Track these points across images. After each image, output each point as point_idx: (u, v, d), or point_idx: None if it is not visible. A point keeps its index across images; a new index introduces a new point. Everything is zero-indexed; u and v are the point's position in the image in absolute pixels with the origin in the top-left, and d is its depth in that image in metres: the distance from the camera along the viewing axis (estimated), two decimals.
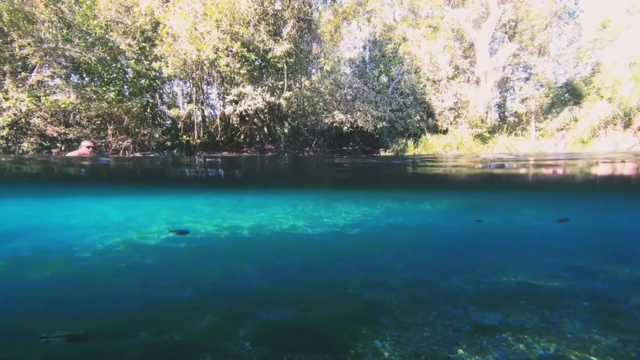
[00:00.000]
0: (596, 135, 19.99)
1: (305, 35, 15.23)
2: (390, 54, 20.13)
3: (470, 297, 4.36)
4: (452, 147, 18.09)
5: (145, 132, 13.86)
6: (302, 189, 14.45)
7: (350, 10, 19.10)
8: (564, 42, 23.28)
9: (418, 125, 18.86)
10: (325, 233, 8.88)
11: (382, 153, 17.08)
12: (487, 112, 21.16)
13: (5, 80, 11.64)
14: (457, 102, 19.88)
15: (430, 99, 19.50)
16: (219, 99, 15.45)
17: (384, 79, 19.81)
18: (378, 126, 16.37)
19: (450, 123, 19.81)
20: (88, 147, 7.87)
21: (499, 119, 23.38)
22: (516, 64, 22.23)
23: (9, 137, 11.68)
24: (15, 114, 11.30)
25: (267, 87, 13.50)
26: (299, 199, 15.80)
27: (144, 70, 13.57)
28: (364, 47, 21.17)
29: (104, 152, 13.18)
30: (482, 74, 20.09)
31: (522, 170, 10.66)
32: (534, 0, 20.56)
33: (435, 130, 19.63)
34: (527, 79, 22.66)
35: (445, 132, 19.49)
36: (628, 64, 20.34)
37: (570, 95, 22.48)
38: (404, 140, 17.87)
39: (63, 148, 12.40)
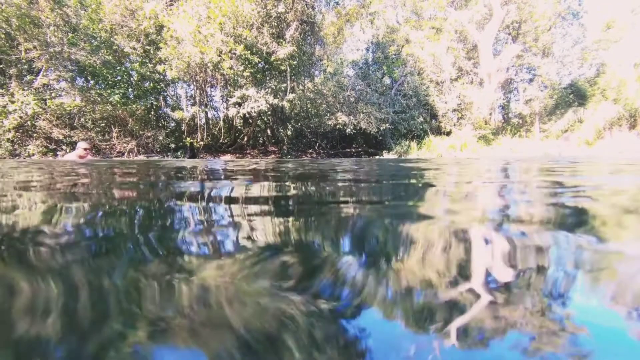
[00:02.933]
0: (601, 137, 19.87)
1: (308, 37, 15.27)
2: (394, 56, 20.13)
3: None
4: (456, 149, 18.03)
5: (149, 134, 13.92)
6: None
7: (353, 13, 19.11)
8: (568, 43, 23.19)
9: (421, 126, 18.82)
10: None
11: (385, 155, 17.04)
12: (490, 114, 21.10)
13: (11, 83, 11.75)
14: (460, 104, 19.83)
15: (433, 100, 19.46)
16: (223, 101, 15.51)
17: (387, 80, 19.80)
18: (381, 128, 16.35)
19: (454, 124, 19.76)
20: (85, 149, 7.48)
21: (502, 121, 23.30)
22: (520, 65, 22.16)
23: (15, 140, 11.78)
24: (21, 117, 11.40)
25: (270, 89, 13.53)
26: None
27: (148, 73, 13.66)
28: (367, 49, 21.19)
29: (109, 154, 13.25)
30: (486, 75, 20.03)
31: None
32: (538, 1, 20.49)
33: (438, 131, 19.59)
34: (530, 80, 22.58)
35: (448, 133, 19.45)
36: (633, 64, 20.22)
37: (574, 96, 22.36)
38: (407, 142, 17.83)
39: (68, 150, 12.47)
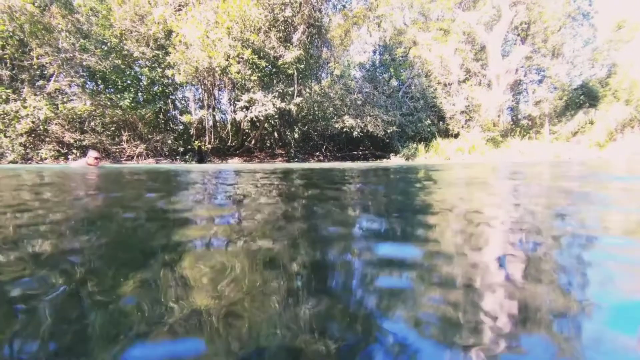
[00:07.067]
0: (613, 139, 19.56)
1: (316, 40, 15.30)
2: (401, 58, 20.06)
3: None
4: (464, 151, 17.88)
5: (158, 138, 14.07)
6: None
7: (360, 15, 19.11)
8: (579, 43, 22.87)
9: (429, 129, 18.72)
10: None
11: (393, 157, 16.98)
12: (499, 116, 20.88)
13: (24, 88, 11.97)
14: (468, 106, 19.67)
15: (441, 102, 19.34)
16: (230, 104, 15.61)
17: (394, 83, 19.74)
18: (388, 131, 16.29)
19: (462, 127, 19.61)
20: (96, 157, 7.54)
21: (511, 122, 23.03)
22: (529, 67, 21.91)
23: (27, 144, 11.98)
24: (33, 122, 11.60)
25: (277, 93, 13.59)
26: None
27: (157, 77, 13.82)
28: (374, 52, 21.15)
29: (119, 158, 13.41)
30: (494, 76, 19.85)
31: None
32: (547, 2, 20.26)
33: (446, 134, 19.45)
34: (540, 81, 22.33)
35: (456, 135, 19.29)
36: None
37: (585, 97, 22.04)
38: (415, 144, 17.74)
39: (78, 155, 12.65)
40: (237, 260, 0.90)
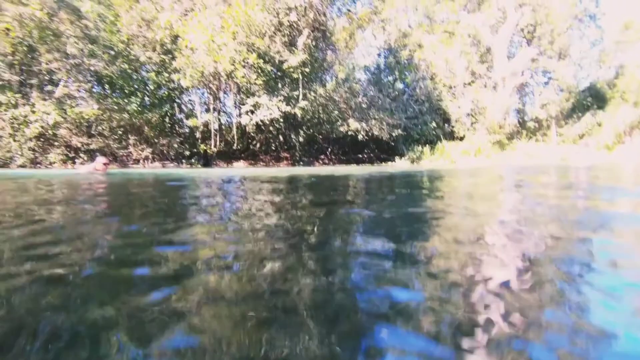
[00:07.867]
0: (621, 141, 19.35)
1: (320, 44, 15.34)
2: (406, 61, 20.01)
3: None
4: (470, 154, 17.80)
5: (164, 141, 14.18)
6: None
7: (365, 18, 19.10)
8: (586, 45, 22.64)
9: (434, 132, 18.67)
10: None
11: (398, 161, 16.95)
12: (505, 118, 20.74)
13: (33, 93, 12.13)
14: (474, 108, 19.58)
15: (446, 105, 19.27)
16: (235, 107, 15.70)
17: (399, 85, 19.71)
18: (393, 134, 16.28)
19: (467, 129, 19.51)
20: (105, 163, 7.72)
21: (518, 125, 22.84)
22: (535, 69, 21.73)
23: (36, 149, 12.14)
24: (42, 126, 11.75)
25: (282, 96, 13.64)
26: None
27: (163, 81, 13.95)
28: (379, 54, 21.13)
29: (126, 161, 13.53)
30: (500, 79, 19.74)
31: None
32: (553, 4, 20.08)
33: (451, 137, 19.37)
34: (546, 83, 22.13)
35: (462, 138, 19.21)
36: None
37: (592, 99, 21.84)
38: (420, 147, 17.70)
39: (86, 158, 12.79)
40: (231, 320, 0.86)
